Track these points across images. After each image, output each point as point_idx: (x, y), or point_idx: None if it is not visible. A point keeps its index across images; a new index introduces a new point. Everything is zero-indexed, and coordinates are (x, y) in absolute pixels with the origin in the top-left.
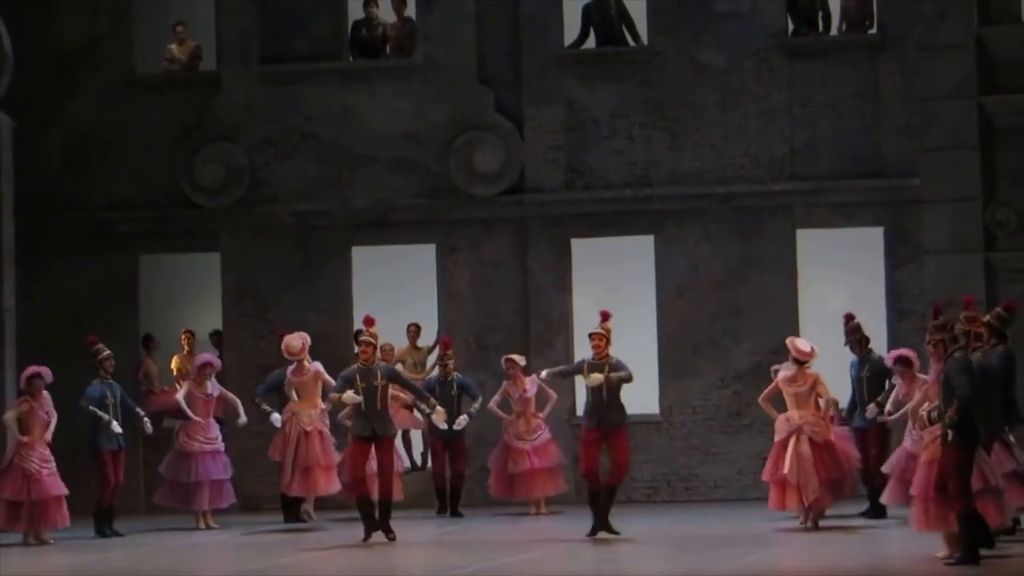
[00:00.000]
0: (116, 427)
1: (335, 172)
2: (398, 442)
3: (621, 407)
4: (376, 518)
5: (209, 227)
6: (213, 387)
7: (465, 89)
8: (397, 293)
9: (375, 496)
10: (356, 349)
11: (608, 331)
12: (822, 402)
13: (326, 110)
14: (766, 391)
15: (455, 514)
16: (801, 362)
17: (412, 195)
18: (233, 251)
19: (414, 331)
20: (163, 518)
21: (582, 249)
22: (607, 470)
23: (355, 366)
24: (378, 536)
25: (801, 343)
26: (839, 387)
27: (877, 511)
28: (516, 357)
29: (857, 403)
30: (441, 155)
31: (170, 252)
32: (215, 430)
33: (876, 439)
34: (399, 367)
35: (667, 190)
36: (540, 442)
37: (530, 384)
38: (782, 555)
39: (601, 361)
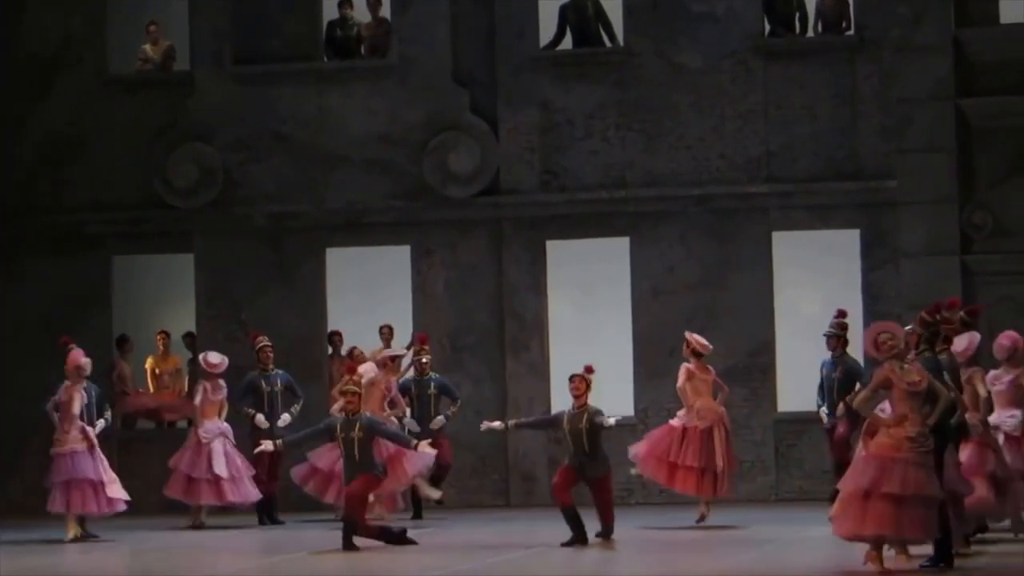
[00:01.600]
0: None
1: (309, 173)
2: None
3: (604, 455)
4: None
5: (183, 228)
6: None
7: (440, 90)
8: (371, 295)
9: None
10: (343, 399)
11: (589, 380)
12: (721, 395)
13: (300, 111)
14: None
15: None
16: (701, 355)
17: (387, 196)
18: (207, 252)
19: (387, 333)
20: (144, 520)
21: (557, 251)
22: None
23: (339, 416)
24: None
25: (700, 337)
26: (812, 389)
27: None
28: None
29: (827, 403)
30: (416, 156)
31: (143, 253)
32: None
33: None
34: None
35: (642, 192)
36: None
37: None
38: (758, 558)
39: (580, 410)
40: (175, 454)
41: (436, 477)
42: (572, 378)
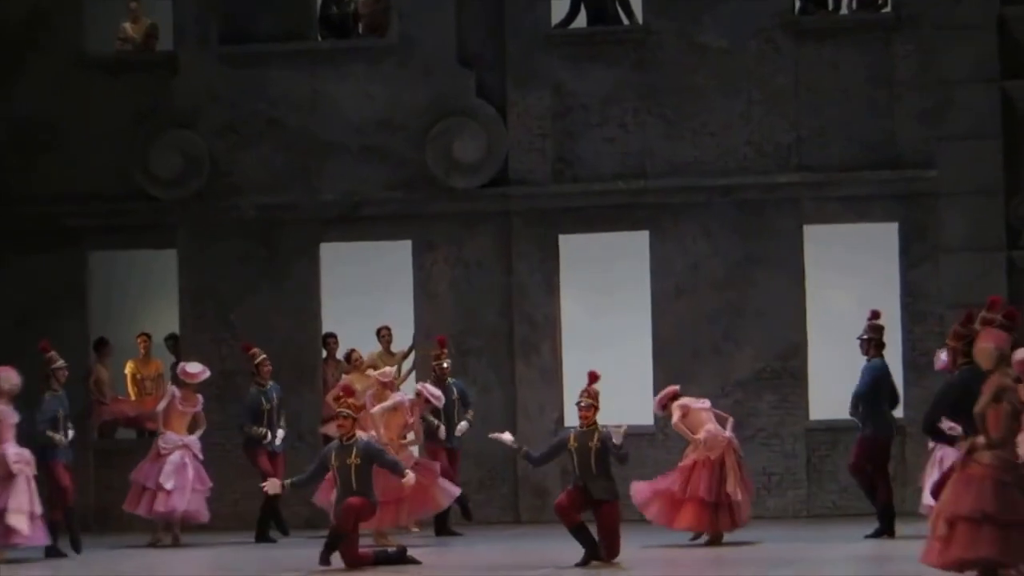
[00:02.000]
0: (64, 440)
1: (302, 162)
2: None
3: (611, 479)
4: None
5: (165, 222)
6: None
7: (444, 72)
8: (369, 294)
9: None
10: (335, 421)
11: (596, 396)
12: (728, 424)
13: (293, 94)
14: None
15: (447, 532)
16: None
17: (386, 187)
18: (191, 248)
19: (386, 334)
20: (121, 537)
21: (571, 246)
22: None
23: (334, 443)
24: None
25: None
26: (846, 395)
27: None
28: None
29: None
30: (418, 143)
31: (123, 249)
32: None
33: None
34: (371, 372)
35: (663, 182)
36: None
37: None
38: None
39: (589, 428)
40: (136, 467)
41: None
42: (579, 404)
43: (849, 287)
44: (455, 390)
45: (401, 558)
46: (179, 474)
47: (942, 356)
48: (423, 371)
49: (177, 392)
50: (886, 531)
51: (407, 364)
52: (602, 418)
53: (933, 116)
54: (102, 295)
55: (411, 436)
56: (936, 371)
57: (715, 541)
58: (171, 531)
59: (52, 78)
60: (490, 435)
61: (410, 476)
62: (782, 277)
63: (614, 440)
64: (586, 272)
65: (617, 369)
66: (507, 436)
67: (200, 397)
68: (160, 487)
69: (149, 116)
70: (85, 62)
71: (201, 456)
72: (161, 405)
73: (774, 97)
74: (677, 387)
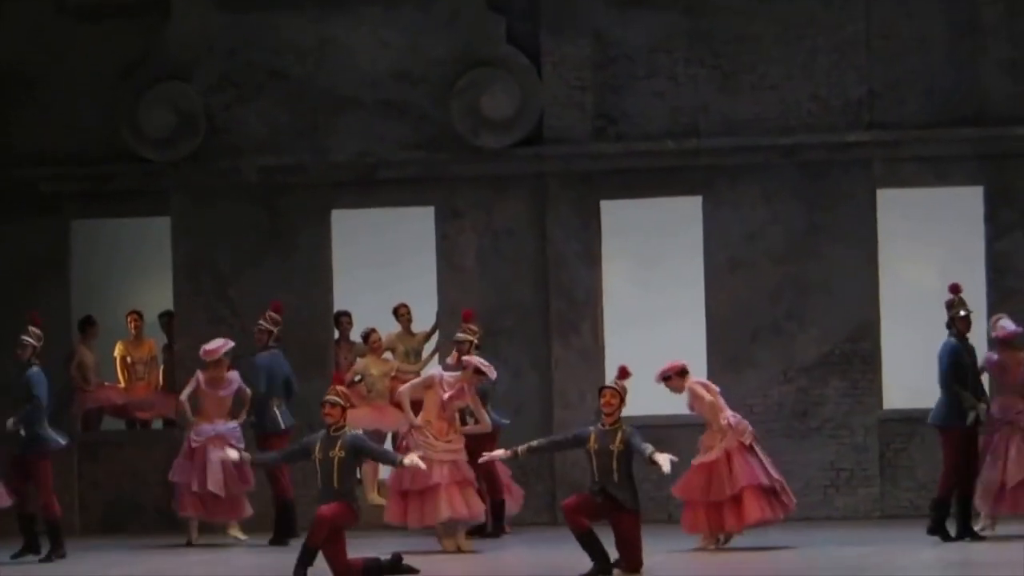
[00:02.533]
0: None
1: (310, 119)
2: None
3: (634, 486)
4: None
5: (157, 186)
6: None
7: (470, 17)
8: (387, 267)
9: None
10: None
11: (624, 390)
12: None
13: (299, 43)
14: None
15: (499, 532)
16: None
17: (405, 147)
18: (186, 216)
19: (405, 313)
20: (115, 540)
21: (614, 213)
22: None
23: (320, 432)
24: None
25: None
26: (924, 381)
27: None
28: None
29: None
30: (441, 98)
31: (109, 216)
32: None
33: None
34: (388, 356)
35: (717, 142)
36: None
37: None
38: None
39: (613, 427)
40: (172, 467)
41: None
42: (602, 391)
43: (927, 259)
44: None
45: (396, 566)
46: (227, 478)
47: (1003, 324)
48: (447, 354)
49: (202, 375)
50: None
51: (430, 346)
52: (651, 406)
53: (1022, 67)
54: (86, 268)
55: (471, 423)
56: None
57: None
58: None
59: (29, 27)
60: (480, 459)
61: (412, 458)
62: (852, 248)
63: (663, 469)
64: (631, 242)
65: (666, 351)
66: (500, 453)
67: (235, 375)
68: (204, 488)
69: (138, 67)
70: (66, 8)
71: (241, 444)
72: (185, 393)
73: (843, 47)
74: (685, 362)
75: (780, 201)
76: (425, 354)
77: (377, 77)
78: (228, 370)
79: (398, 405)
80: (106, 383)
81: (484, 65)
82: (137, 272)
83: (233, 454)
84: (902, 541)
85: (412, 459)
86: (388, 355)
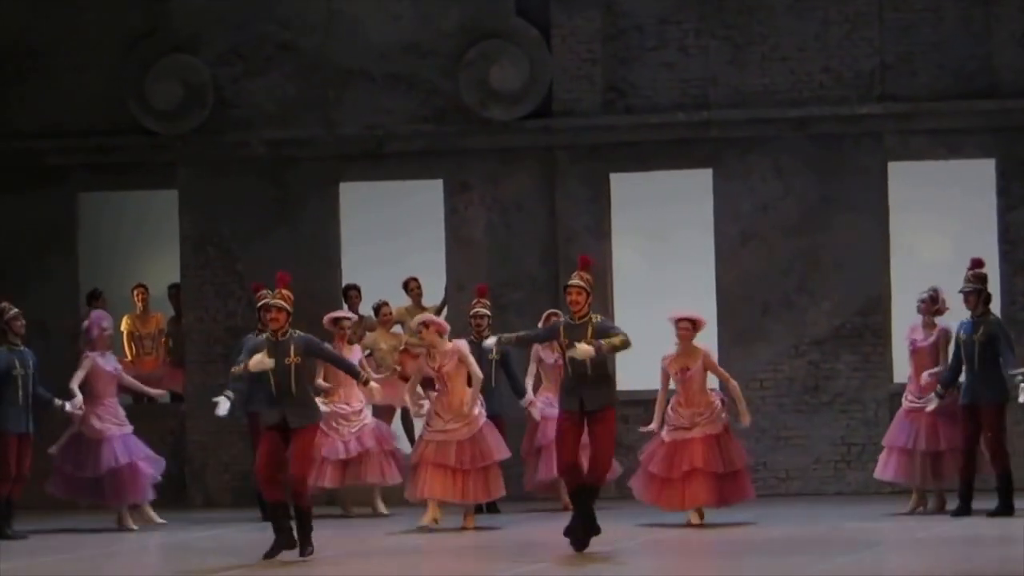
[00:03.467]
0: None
1: (319, 91)
2: (397, 425)
3: (610, 384)
4: (290, 530)
5: (164, 159)
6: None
7: None
8: (395, 240)
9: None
10: (267, 315)
11: (589, 283)
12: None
13: (307, 15)
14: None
15: (491, 510)
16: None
17: (414, 120)
18: (193, 188)
19: (415, 286)
20: (70, 517)
21: (623, 186)
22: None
23: (262, 336)
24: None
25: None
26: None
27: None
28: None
29: (967, 374)
30: (449, 70)
31: (116, 189)
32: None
33: (991, 418)
34: (397, 329)
35: (728, 114)
36: None
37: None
38: (868, 560)
39: (581, 321)
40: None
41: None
42: (567, 289)
43: (939, 232)
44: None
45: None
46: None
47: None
48: (457, 328)
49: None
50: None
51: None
52: (646, 382)
53: None
54: (92, 242)
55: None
56: None
57: None
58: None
59: None
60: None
61: (373, 386)
62: (863, 221)
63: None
64: (641, 215)
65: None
66: (488, 341)
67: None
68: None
69: (144, 39)
70: None
71: None
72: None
73: (855, 17)
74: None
75: (791, 174)
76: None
77: (386, 49)
78: None
79: (406, 379)
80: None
81: (493, 37)
82: (144, 245)
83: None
84: (915, 515)
85: (376, 391)
86: (397, 328)
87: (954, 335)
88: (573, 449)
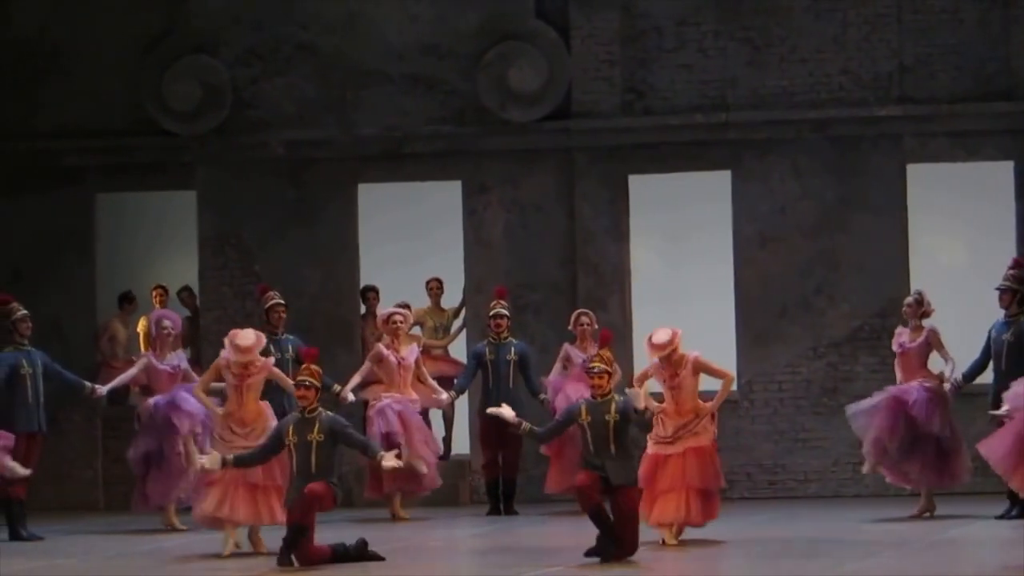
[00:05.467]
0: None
1: (337, 92)
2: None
3: (631, 459)
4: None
5: (182, 160)
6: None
7: None
8: (413, 241)
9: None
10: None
11: (610, 361)
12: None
13: (326, 15)
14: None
15: (509, 512)
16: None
17: (432, 121)
18: (211, 189)
19: (435, 287)
20: (85, 520)
21: (642, 188)
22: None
23: (292, 415)
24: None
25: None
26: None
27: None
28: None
29: (994, 373)
30: (468, 71)
31: (134, 190)
32: None
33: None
34: (417, 330)
35: (747, 115)
36: None
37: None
38: (888, 564)
39: (605, 399)
40: None
41: (507, 481)
42: (591, 370)
43: (958, 235)
44: (513, 350)
45: (362, 552)
46: None
47: None
48: (475, 330)
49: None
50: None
51: (458, 322)
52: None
53: None
54: (110, 243)
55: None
56: None
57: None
58: None
59: None
60: (488, 410)
61: (388, 458)
62: (882, 223)
63: (634, 405)
64: (659, 217)
65: (695, 327)
66: (507, 411)
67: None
68: None
69: (163, 40)
70: None
71: None
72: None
73: (873, 19)
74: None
75: (809, 176)
76: (453, 329)
77: (404, 50)
78: None
79: (423, 381)
80: (133, 357)
81: (512, 38)
82: (162, 246)
83: (215, 462)
84: (933, 517)
85: (391, 460)
86: (416, 329)
87: (987, 334)
88: (598, 492)
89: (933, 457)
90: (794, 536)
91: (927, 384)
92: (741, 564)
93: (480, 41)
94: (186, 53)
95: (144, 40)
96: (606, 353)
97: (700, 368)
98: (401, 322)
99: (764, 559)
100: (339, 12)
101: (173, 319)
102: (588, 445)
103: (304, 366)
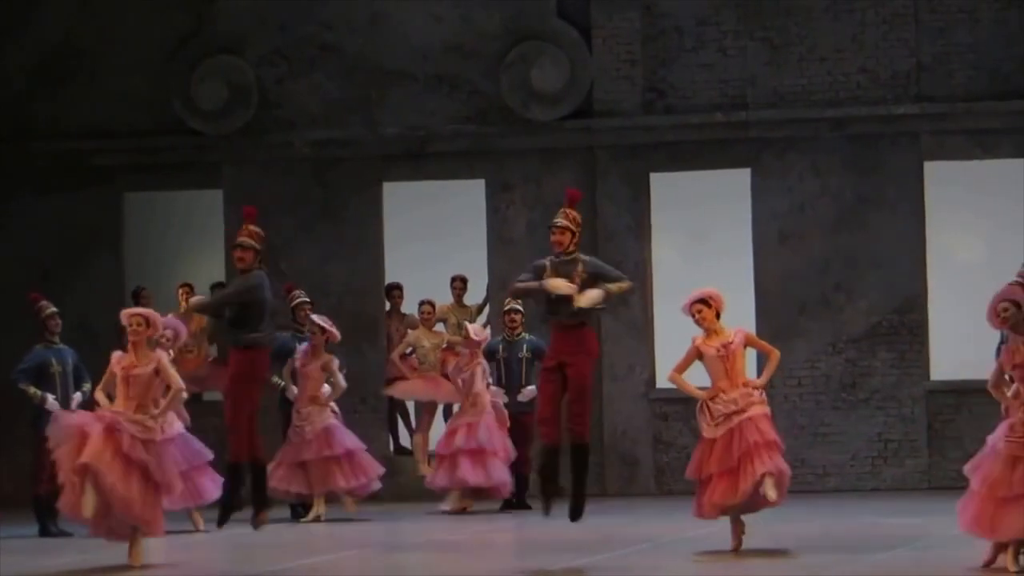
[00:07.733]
0: (52, 402)
1: (362, 92)
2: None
3: (592, 326)
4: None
5: (209, 159)
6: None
7: None
8: (438, 240)
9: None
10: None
11: (575, 221)
12: None
13: (351, 15)
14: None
15: (521, 506)
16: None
17: (456, 120)
18: (238, 188)
19: (459, 286)
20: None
21: (663, 186)
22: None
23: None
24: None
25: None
26: (970, 352)
27: None
28: None
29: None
30: (491, 71)
31: (161, 189)
32: None
33: None
34: (440, 327)
35: (766, 114)
36: None
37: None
38: (906, 557)
39: (569, 257)
40: None
41: (519, 475)
42: (551, 228)
43: (975, 231)
44: (525, 347)
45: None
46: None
47: None
48: (498, 327)
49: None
50: None
51: (481, 319)
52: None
53: None
54: (138, 241)
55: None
56: None
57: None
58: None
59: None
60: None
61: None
62: (900, 220)
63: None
64: (680, 214)
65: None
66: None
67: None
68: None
69: (190, 40)
70: None
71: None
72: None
73: (891, 19)
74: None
75: (828, 173)
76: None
77: (428, 51)
78: None
79: (447, 376)
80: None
81: (534, 38)
82: (189, 244)
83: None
84: (950, 512)
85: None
86: (440, 326)
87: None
88: (550, 401)
89: None
90: (813, 531)
91: None
92: (758, 559)
93: (503, 41)
94: (213, 54)
95: (171, 41)
96: (572, 211)
97: (749, 342)
98: (427, 312)
99: (783, 554)
100: (364, 13)
101: (177, 329)
102: (548, 302)
103: (243, 226)
